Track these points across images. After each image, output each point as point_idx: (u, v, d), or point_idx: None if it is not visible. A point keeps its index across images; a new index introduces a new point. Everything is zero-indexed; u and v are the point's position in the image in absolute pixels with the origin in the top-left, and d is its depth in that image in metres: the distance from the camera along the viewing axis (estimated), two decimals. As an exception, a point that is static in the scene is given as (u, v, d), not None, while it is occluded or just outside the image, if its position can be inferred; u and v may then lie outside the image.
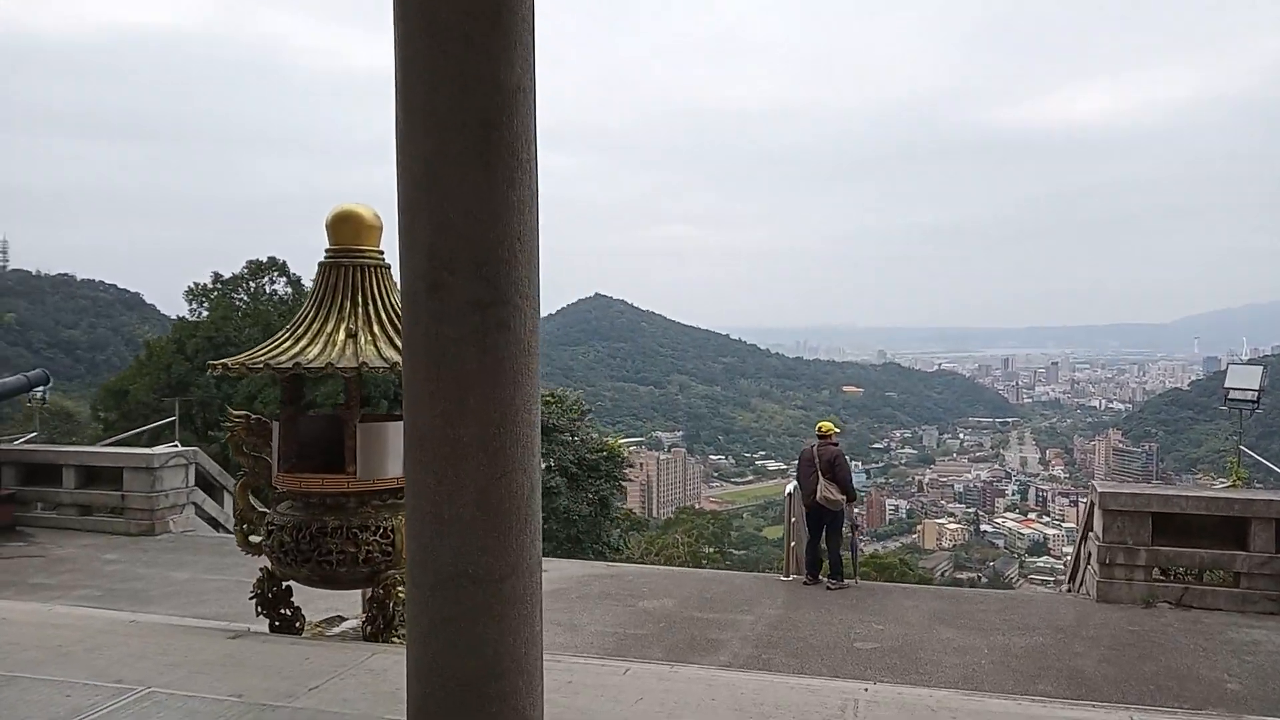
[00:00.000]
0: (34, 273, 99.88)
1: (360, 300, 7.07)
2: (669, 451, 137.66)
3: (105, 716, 4.43)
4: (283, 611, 7.14)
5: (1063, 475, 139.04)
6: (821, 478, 10.75)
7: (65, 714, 4.44)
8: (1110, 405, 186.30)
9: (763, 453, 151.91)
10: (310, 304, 7.12)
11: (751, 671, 6.68)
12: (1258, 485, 14.37)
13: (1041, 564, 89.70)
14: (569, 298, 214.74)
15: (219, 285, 32.79)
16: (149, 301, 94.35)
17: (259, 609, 7.03)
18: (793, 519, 11.41)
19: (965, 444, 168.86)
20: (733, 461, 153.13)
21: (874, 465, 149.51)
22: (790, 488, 11.62)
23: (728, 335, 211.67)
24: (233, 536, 7.85)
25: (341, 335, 6.91)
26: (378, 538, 6.71)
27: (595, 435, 25.93)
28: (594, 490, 22.98)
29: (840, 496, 10.71)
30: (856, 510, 12.23)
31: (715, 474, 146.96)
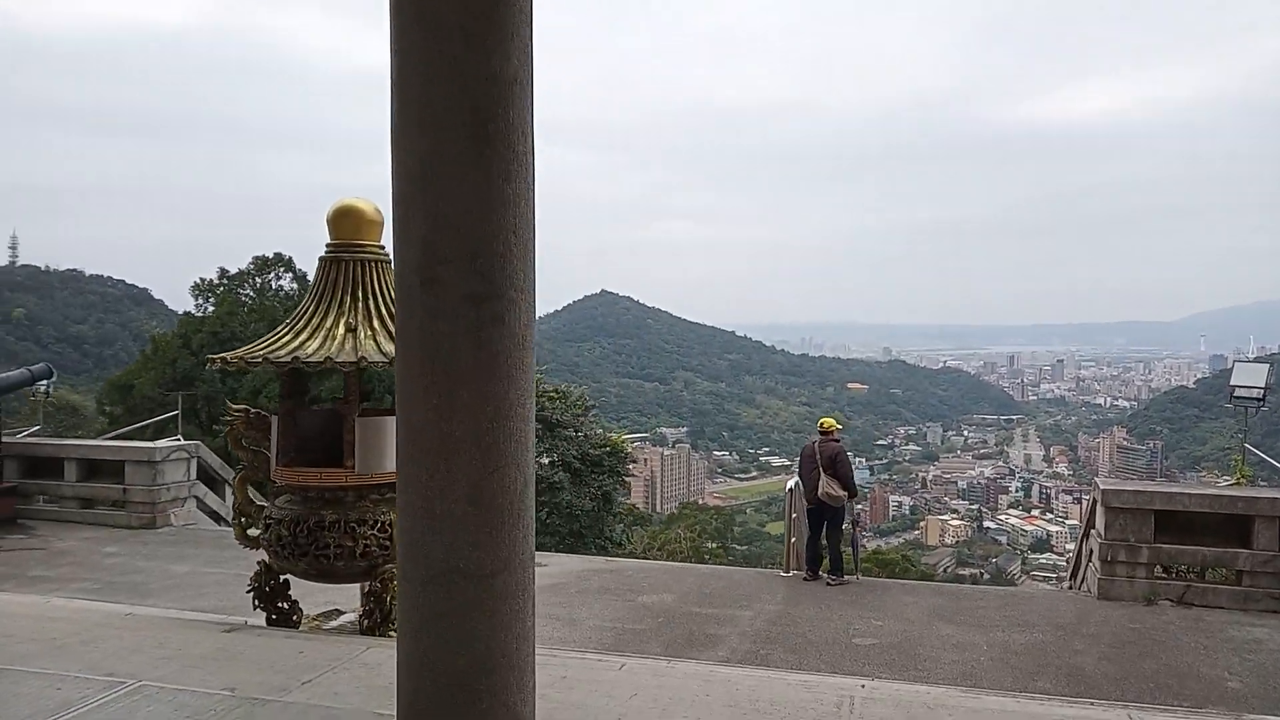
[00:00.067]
0: (43, 268, 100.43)
1: (360, 295, 7.07)
2: (673, 447, 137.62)
3: (94, 710, 4.43)
4: (280, 605, 7.15)
5: (1067, 472, 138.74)
6: (823, 474, 10.74)
7: (55, 707, 4.44)
8: (1115, 403, 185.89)
9: (767, 449, 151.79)
10: (310, 298, 7.13)
11: (748, 667, 6.67)
12: (1262, 483, 14.30)
13: (1044, 560, 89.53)
14: (575, 294, 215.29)
15: (225, 281, 32.86)
16: (157, 297, 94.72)
17: (256, 602, 7.04)
18: (794, 515, 11.39)
19: (969, 441, 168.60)
20: (737, 458, 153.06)
21: (878, 461, 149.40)
22: (791, 483, 11.61)
23: (733, 332, 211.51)
24: (233, 530, 7.85)
25: (341, 330, 6.91)
26: (375, 532, 6.71)
27: (599, 431, 25.93)
28: (597, 485, 22.98)
29: (842, 493, 10.70)
30: (859, 506, 12.22)
31: (719, 470, 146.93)
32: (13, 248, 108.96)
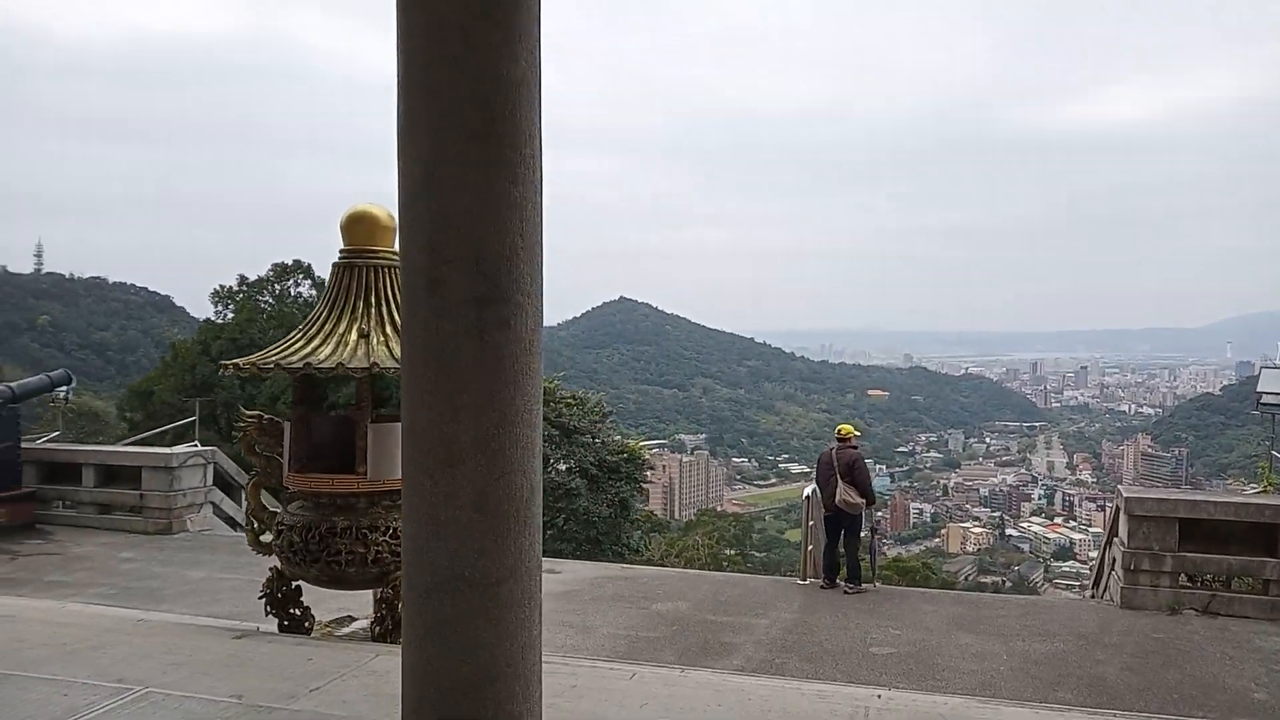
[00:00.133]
0: (67, 276, 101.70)
1: (374, 300, 7.05)
2: (692, 454, 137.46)
3: (100, 716, 4.40)
4: (292, 611, 7.12)
5: (1090, 480, 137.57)
6: (840, 481, 10.63)
7: (61, 713, 4.42)
8: (1140, 410, 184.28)
9: (786, 456, 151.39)
10: (324, 304, 7.12)
11: (762, 676, 6.58)
12: (1289, 491, 14.07)
13: (1067, 569, 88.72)
14: (594, 301, 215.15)
15: (244, 288, 33.15)
16: (179, 304, 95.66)
17: (268, 609, 7.02)
18: (811, 522, 11.29)
19: (991, 448, 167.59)
20: (756, 464, 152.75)
21: (899, 469, 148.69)
22: (809, 490, 11.50)
23: (752, 339, 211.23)
24: (246, 536, 7.84)
25: (354, 336, 6.89)
26: (387, 538, 6.67)
27: (617, 438, 25.90)
28: (614, 492, 22.94)
29: (859, 500, 10.59)
30: (879, 514, 12.09)
31: (738, 477, 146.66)
32: (38, 255, 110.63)
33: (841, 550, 10.76)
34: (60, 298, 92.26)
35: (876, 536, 11.60)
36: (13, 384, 14.62)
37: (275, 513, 7.17)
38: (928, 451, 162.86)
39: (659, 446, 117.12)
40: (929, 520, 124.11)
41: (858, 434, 11.37)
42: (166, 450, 14.40)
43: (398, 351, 6.75)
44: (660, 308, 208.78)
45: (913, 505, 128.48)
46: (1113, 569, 10.31)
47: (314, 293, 32.54)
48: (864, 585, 10.64)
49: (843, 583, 10.66)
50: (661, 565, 19.79)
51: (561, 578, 10.86)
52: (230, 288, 33.07)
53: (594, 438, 23.62)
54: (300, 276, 33.10)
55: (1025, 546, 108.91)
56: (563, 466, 22.33)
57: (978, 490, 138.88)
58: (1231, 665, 7.85)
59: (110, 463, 14.04)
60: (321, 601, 7.35)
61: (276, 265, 33.17)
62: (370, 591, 7.18)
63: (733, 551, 29.92)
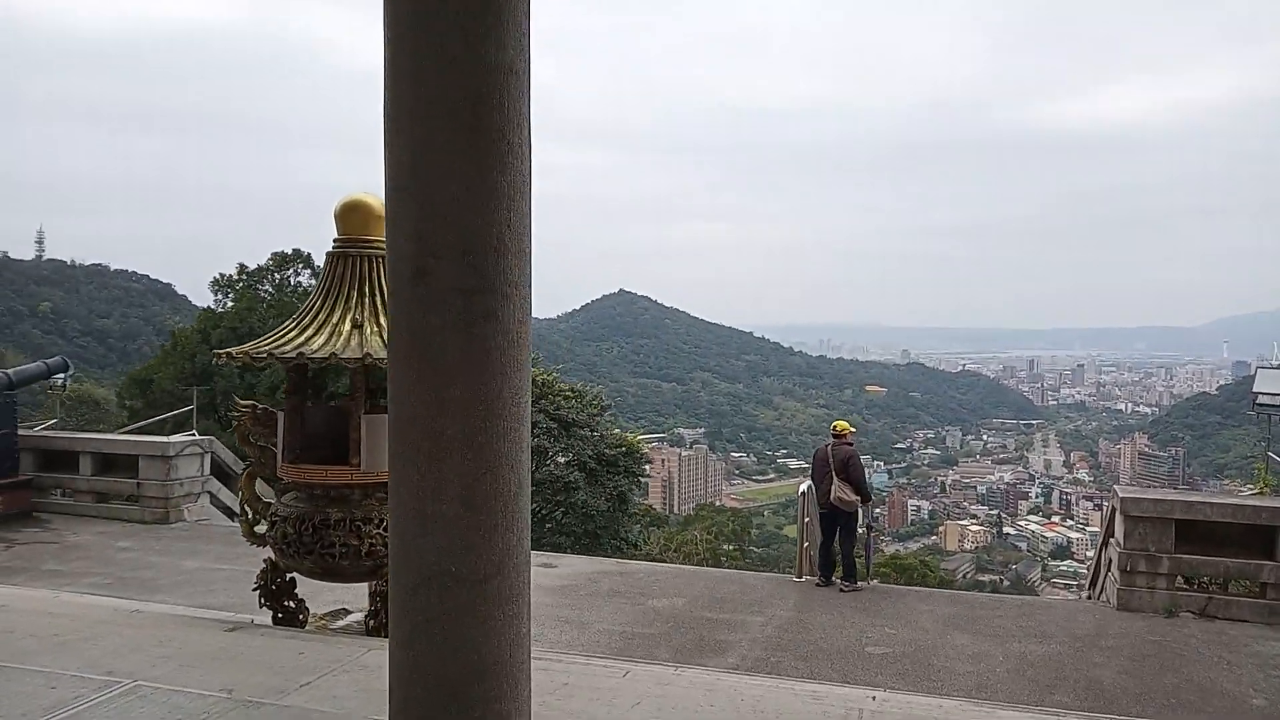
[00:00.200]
0: (69, 263, 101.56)
1: (368, 290, 6.99)
2: (690, 448, 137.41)
3: (88, 710, 4.36)
4: (286, 603, 7.08)
5: (1087, 478, 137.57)
6: (835, 478, 10.58)
7: (48, 706, 4.38)
8: (1136, 409, 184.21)
9: (784, 451, 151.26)
10: (317, 294, 7.06)
11: (756, 676, 6.53)
12: (1287, 493, 14.03)
13: (1064, 568, 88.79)
14: (593, 293, 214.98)
15: (244, 277, 33.08)
16: (180, 292, 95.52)
17: (262, 600, 6.98)
18: (806, 519, 11.25)
19: (989, 445, 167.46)
20: (754, 459, 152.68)
21: (896, 465, 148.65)
22: (804, 487, 11.46)
23: (750, 333, 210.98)
24: (240, 527, 7.79)
25: (347, 326, 6.83)
26: (381, 531, 6.61)
27: (616, 431, 25.85)
28: (612, 486, 22.89)
29: (854, 497, 10.54)
30: (877, 510, 12.05)
31: (737, 471, 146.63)
32: (39, 242, 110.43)
33: (837, 548, 10.72)
34: (62, 284, 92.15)
35: (873, 534, 11.55)
36: (9, 371, 14.57)
37: (270, 503, 7.13)
38: (925, 448, 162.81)
39: (658, 440, 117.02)
40: (927, 517, 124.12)
41: (853, 430, 11.32)
42: (163, 439, 14.35)
43: (392, 342, 6.69)
44: (660, 301, 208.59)
45: (910, 502, 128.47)
46: (1109, 570, 10.27)
47: (314, 282, 32.46)
48: (860, 583, 10.60)
49: (838, 580, 10.62)
50: (660, 560, 19.76)
51: (558, 572, 10.81)
52: (230, 276, 33.00)
53: (592, 431, 23.58)
54: (300, 266, 33.04)
55: (1023, 545, 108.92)
56: (561, 459, 22.29)
57: (975, 488, 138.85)
58: (1229, 670, 7.81)
59: (107, 451, 13.99)
60: (318, 594, 7.31)
61: (276, 254, 33.10)
62: (364, 584, 7.15)
63: (731, 547, 29.81)
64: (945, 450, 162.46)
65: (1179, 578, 9.60)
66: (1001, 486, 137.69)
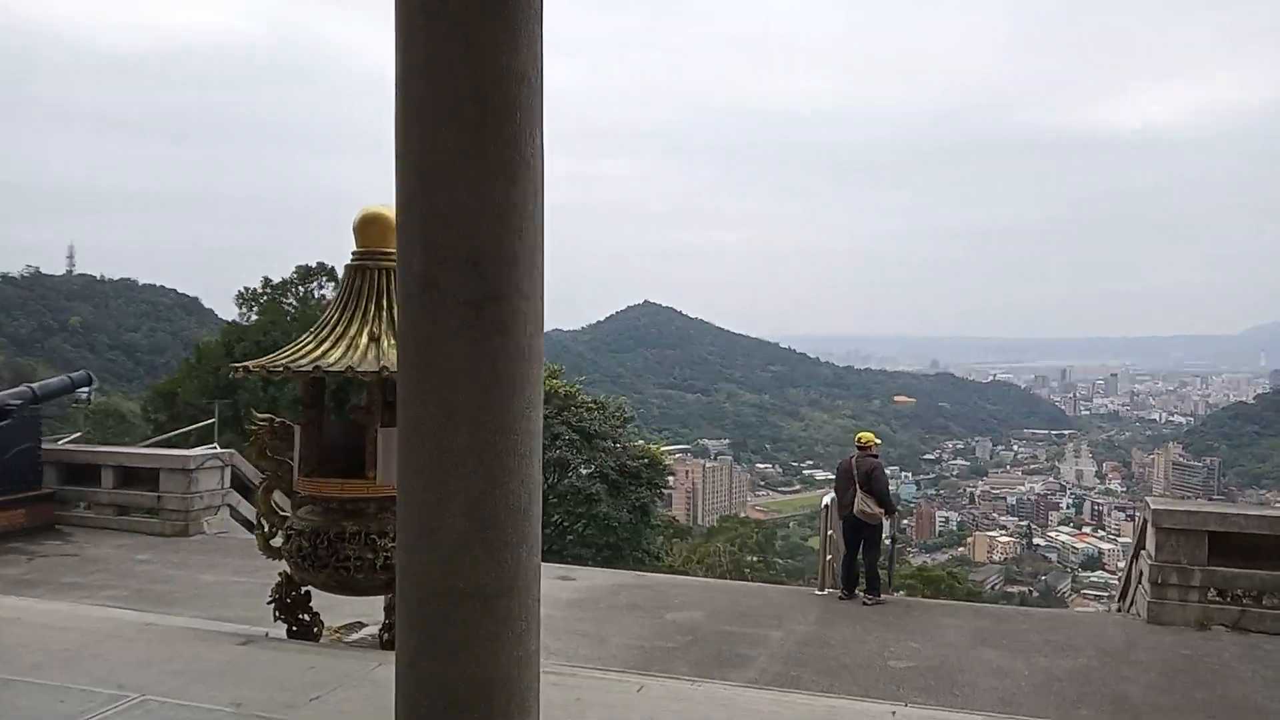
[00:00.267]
0: (98, 277, 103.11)
1: (385, 304, 6.96)
2: (715, 459, 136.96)
3: (95, 724, 4.34)
4: (301, 616, 7.05)
5: (1120, 489, 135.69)
6: (859, 490, 10.46)
7: (56, 720, 4.36)
8: (1171, 418, 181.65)
9: (810, 462, 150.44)
10: (335, 307, 7.05)
11: (774, 690, 6.42)
12: (1324, 504, 13.72)
13: (1095, 579, 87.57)
14: (618, 304, 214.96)
15: (268, 290, 33.35)
16: (207, 306, 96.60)
17: (277, 614, 6.96)
18: (830, 531, 11.12)
19: (1019, 456, 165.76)
20: (780, 470, 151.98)
21: (925, 476, 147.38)
22: (828, 499, 11.33)
23: (777, 343, 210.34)
24: (256, 540, 7.79)
25: (364, 339, 6.82)
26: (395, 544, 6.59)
27: (638, 442, 25.79)
28: (635, 497, 22.82)
29: (878, 510, 10.40)
30: (904, 521, 11.89)
31: (762, 482, 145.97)
32: (70, 257, 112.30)
33: (860, 560, 10.58)
34: (91, 299, 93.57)
35: (896, 546, 11.39)
36: (34, 385, 14.73)
37: (285, 517, 7.12)
38: (954, 459, 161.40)
39: (682, 451, 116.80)
40: (955, 529, 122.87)
41: (878, 442, 11.18)
42: (184, 452, 14.43)
43: (409, 356, 6.67)
44: (685, 311, 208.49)
45: (939, 513, 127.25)
46: (1140, 582, 10.06)
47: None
48: (883, 597, 10.46)
49: (861, 594, 10.48)
50: (683, 572, 19.64)
51: (575, 585, 10.74)
52: (254, 290, 33.31)
53: (615, 443, 23.53)
54: (324, 279, 33.26)
55: (1053, 556, 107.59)
56: (583, 471, 22.25)
57: (1005, 499, 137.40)
58: (1264, 685, 7.60)
59: (129, 464, 14.08)
60: (335, 607, 7.28)
61: (300, 267, 33.37)
62: (380, 598, 7.11)
63: (755, 558, 29.65)
64: (975, 461, 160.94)
65: (1212, 590, 9.38)
66: (1032, 497, 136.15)
